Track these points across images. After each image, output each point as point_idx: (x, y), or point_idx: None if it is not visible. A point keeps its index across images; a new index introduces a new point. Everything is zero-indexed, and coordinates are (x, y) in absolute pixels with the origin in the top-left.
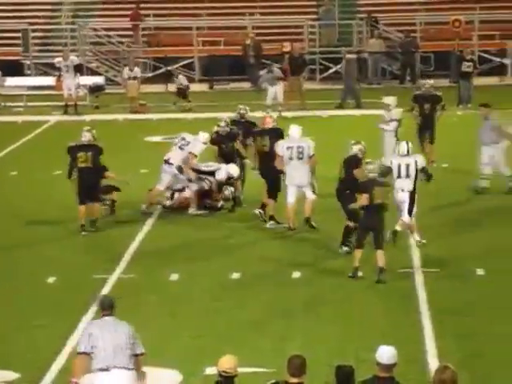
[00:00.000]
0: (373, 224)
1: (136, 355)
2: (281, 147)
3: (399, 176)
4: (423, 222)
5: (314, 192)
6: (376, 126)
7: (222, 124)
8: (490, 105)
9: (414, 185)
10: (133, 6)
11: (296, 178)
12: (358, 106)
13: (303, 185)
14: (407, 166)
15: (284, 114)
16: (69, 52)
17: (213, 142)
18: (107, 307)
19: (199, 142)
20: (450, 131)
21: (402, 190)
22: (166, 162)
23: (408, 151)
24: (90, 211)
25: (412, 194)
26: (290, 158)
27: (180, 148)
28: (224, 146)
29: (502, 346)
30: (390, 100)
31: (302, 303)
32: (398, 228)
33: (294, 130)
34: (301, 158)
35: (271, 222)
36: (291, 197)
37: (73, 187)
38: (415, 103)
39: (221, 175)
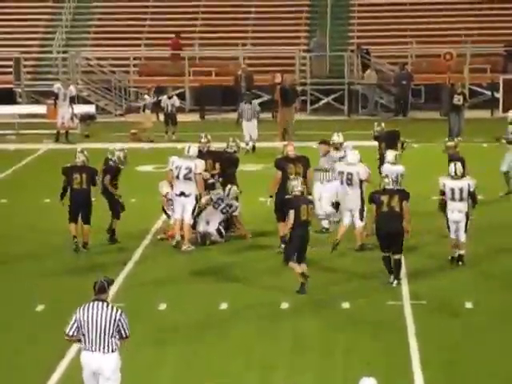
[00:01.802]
0: (302, 239)
1: (120, 338)
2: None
3: (453, 199)
4: (414, 256)
5: (362, 218)
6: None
7: (203, 140)
8: (328, 142)
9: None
10: (124, 35)
11: (346, 202)
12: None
13: (353, 209)
14: (461, 190)
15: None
16: (69, 81)
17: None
18: (98, 291)
19: (195, 158)
20: (438, 164)
21: (459, 211)
22: (182, 194)
23: (456, 172)
24: (81, 232)
25: (467, 214)
26: (341, 183)
27: (188, 179)
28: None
29: (490, 382)
30: (340, 138)
31: (289, 334)
32: (462, 252)
33: (349, 155)
34: (350, 184)
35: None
36: (346, 218)
37: (64, 211)
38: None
39: (237, 212)
